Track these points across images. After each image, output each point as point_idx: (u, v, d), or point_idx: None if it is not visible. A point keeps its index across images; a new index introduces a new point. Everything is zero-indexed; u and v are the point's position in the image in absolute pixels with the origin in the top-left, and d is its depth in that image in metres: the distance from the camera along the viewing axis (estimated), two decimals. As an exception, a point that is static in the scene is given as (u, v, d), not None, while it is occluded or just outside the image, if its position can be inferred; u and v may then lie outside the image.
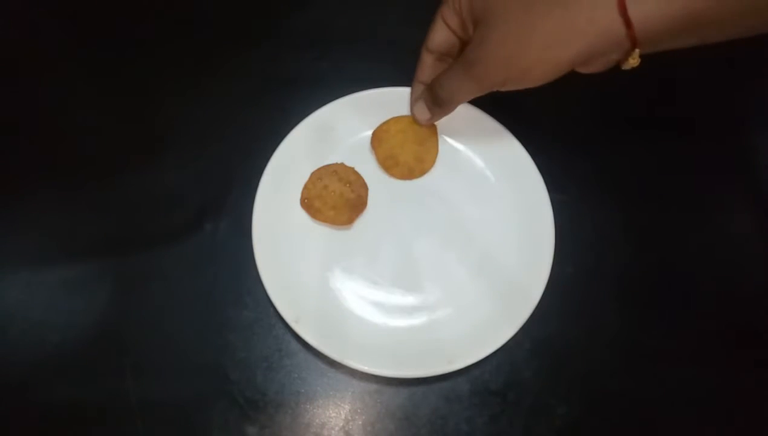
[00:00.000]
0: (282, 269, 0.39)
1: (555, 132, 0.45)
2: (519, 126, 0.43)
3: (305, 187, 0.42)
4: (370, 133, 0.44)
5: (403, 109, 0.44)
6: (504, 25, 0.30)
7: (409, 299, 0.39)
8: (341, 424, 0.37)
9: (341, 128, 0.44)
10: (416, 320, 0.39)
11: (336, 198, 0.41)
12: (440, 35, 0.36)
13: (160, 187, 0.43)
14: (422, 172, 0.43)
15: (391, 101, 0.44)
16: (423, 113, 0.39)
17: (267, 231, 0.40)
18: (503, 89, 0.33)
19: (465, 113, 0.44)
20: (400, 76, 0.45)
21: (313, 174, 0.42)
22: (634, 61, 0.29)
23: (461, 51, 0.36)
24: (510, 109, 0.43)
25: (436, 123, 0.44)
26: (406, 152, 0.43)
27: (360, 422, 0.37)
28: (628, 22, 0.26)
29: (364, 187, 0.42)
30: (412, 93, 0.41)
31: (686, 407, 0.37)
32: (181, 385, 0.37)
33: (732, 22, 0.26)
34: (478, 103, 0.44)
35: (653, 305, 0.40)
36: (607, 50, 0.29)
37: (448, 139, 0.44)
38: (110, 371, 0.37)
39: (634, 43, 0.27)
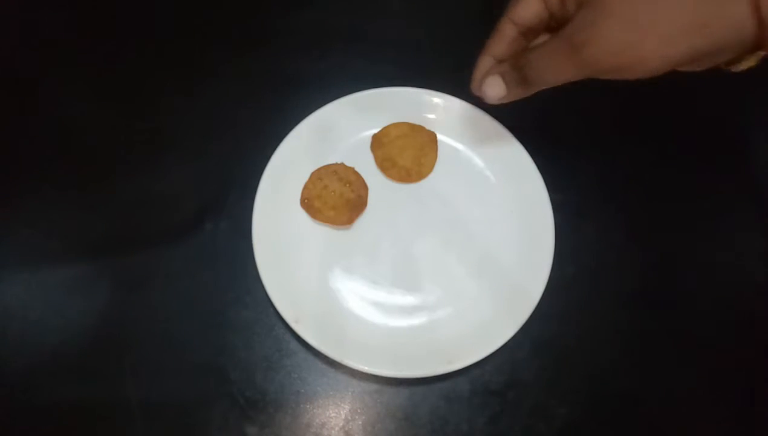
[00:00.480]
0: (282, 269, 0.39)
1: (555, 132, 0.45)
2: (519, 126, 0.43)
3: (305, 187, 0.42)
4: (370, 133, 0.44)
5: (404, 110, 0.44)
6: (623, 7, 0.27)
7: (409, 299, 0.39)
8: (341, 424, 0.37)
9: (341, 128, 0.44)
10: (416, 320, 0.39)
11: (336, 198, 0.41)
12: (533, 7, 0.32)
13: (160, 187, 0.43)
14: (420, 177, 0.43)
15: (392, 101, 0.44)
16: (498, 90, 0.33)
17: (267, 231, 0.40)
18: (604, 77, 0.29)
19: (465, 113, 0.44)
20: (400, 76, 0.45)
21: (313, 174, 0.42)
22: (751, 63, 0.27)
23: (551, 29, 0.33)
24: (510, 109, 0.43)
25: (435, 130, 0.44)
26: (404, 157, 0.43)
27: (360, 422, 0.37)
28: (760, 21, 0.24)
29: (364, 187, 0.42)
30: (478, 67, 0.36)
31: (686, 407, 0.37)
32: (181, 385, 0.37)
33: None
34: (478, 102, 0.44)
35: (653, 305, 0.40)
36: (731, 49, 0.26)
37: (448, 140, 0.44)
38: (110, 371, 0.37)
39: (760, 44, 0.25)
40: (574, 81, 0.31)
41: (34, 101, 0.47)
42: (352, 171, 0.42)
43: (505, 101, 0.34)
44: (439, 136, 0.44)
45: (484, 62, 0.35)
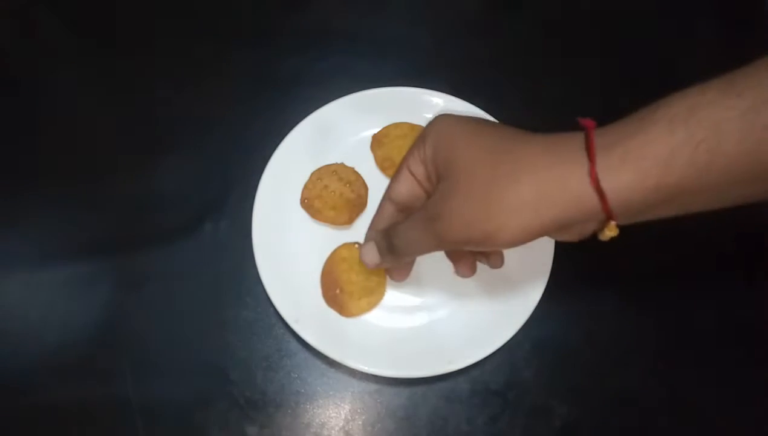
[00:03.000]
0: (282, 269, 0.39)
1: (555, 132, 0.44)
2: (519, 126, 0.43)
3: (305, 187, 0.42)
4: (370, 133, 0.44)
5: (404, 110, 0.44)
6: (469, 183, 0.27)
7: (409, 299, 0.39)
8: (341, 424, 0.37)
9: (341, 128, 0.44)
10: (416, 320, 0.39)
11: (336, 198, 0.41)
12: (405, 185, 0.32)
13: (161, 186, 0.43)
14: None
15: (391, 101, 0.44)
16: (372, 257, 0.34)
17: (267, 231, 0.40)
18: (467, 248, 0.31)
19: (465, 112, 0.44)
20: (400, 76, 0.45)
21: (313, 174, 0.42)
22: (611, 233, 0.27)
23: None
24: (510, 109, 0.43)
25: None
26: None
27: (360, 422, 0.37)
28: (601, 194, 0.25)
29: (364, 187, 0.42)
30: (366, 237, 0.36)
31: (686, 407, 0.37)
32: (181, 385, 0.37)
33: (716, 193, 0.25)
34: (479, 102, 0.44)
35: (653, 304, 0.40)
36: (581, 220, 0.27)
37: (448, 139, 0.44)
38: (110, 371, 0.37)
39: (609, 215, 0.26)
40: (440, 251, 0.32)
41: (34, 101, 0.47)
42: (352, 171, 0.42)
43: (381, 267, 0.35)
44: (439, 136, 0.44)
45: (369, 235, 0.36)
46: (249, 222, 0.39)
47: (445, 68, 0.47)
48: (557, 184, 0.26)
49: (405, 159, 0.32)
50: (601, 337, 0.39)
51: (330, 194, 0.41)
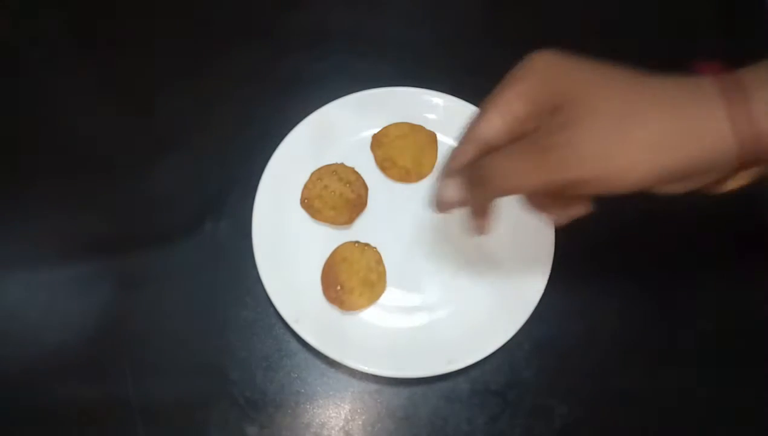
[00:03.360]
0: (282, 269, 0.39)
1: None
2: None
3: (305, 187, 0.42)
4: (370, 133, 0.44)
5: (404, 110, 0.44)
6: (595, 115, 0.25)
7: (409, 299, 0.39)
8: (341, 424, 0.37)
9: (341, 128, 0.44)
10: (416, 320, 0.39)
11: (336, 198, 0.41)
12: (496, 122, 0.28)
13: (160, 187, 0.43)
14: (420, 177, 0.43)
15: (391, 101, 0.44)
16: (454, 191, 0.30)
17: (267, 231, 0.40)
18: (570, 192, 0.26)
19: (465, 113, 0.44)
20: (400, 76, 0.45)
21: (313, 174, 0.42)
22: (738, 182, 0.26)
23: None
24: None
25: (435, 130, 0.44)
26: (404, 157, 0.43)
27: (360, 422, 0.37)
28: (757, 136, 0.24)
29: (364, 187, 0.42)
30: (440, 179, 0.32)
31: (686, 407, 0.37)
32: (181, 385, 0.37)
33: None
34: (479, 102, 0.44)
35: (653, 304, 0.40)
36: (712, 165, 0.25)
37: (448, 140, 0.44)
38: (110, 371, 0.37)
39: (742, 163, 0.25)
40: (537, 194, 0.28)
41: (34, 101, 0.47)
42: (352, 171, 0.42)
43: (462, 206, 0.31)
44: (439, 136, 0.44)
45: (445, 174, 0.31)
46: (249, 222, 0.39)
47: (445, 68, 0.47)
48: (695, 124, 0.24)
49: (495, 97, 0.29)
50: (601, 337, 0.39)
51: (330, 194, 0.41)
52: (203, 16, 0.50)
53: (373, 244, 0.40)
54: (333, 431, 0.36)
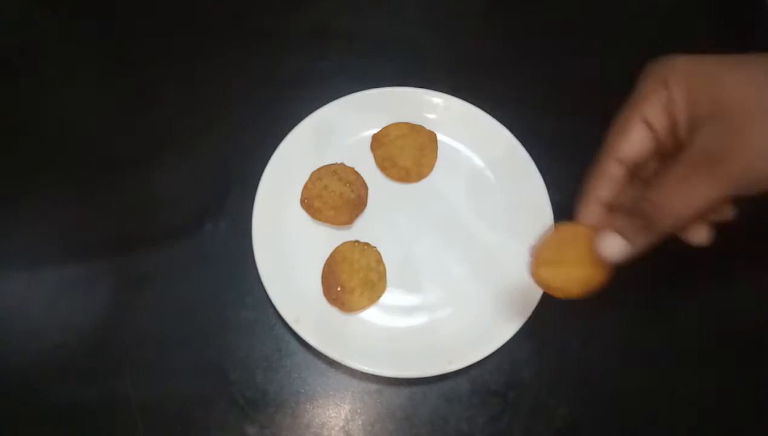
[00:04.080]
0: (282, 269, 0.39)
1: (555, 132, 0.45)
2: (519, 126, 0.43)
3: (305, 187, 0.42)
4: (370, 133, 0.44)
5: (404, 110, 0.44)
6: (764, 118, 0.24)
7: (409, 299, 0.39)
8: (341, 424, 0.37)
9: (341, 128, 0.44)
10: (416, 320, 0.39)
11: (336, 198, 0.41)
12: (637, 139, 0.27)
13: (161, 186, 0.43)
14: (419, 176, 0.43)
15: (392, 101, 0.44)
16: (618, 246, 0.28)
17: (267, 231, 0.40)
18: (752, 191, 0.25)
19: (465, 113, 0.44)
20: (400, 76, 0.45)
21: (313, 174, 0.42)
22: None
23: (661, 161, 0.29)
24: (510, 109, 0.43)
25: (435, 130, 0.44)
26: (404, 157, 0.43)
27: (360, 422, 0.37)
28: None
29: (364, 187, 0.42)
30: (582, 215, 0.30)
31: (686, 407, 0.37)
32: (181, 385, 0.37)
33: None
34: (479, 102, 0.44)
35: (653, 304, 0.40)
36: None
37: (448, 140, 0.44)
38: (110, 371, 0.37)
39: None
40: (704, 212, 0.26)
41: (34, 101, 0.47)
42: (352, 171, 0.42)
43: (629, 257, 0.29)
44: (439, 136, 0.44)
45: (589, 211, 0.30)
46: (249, 222, 0.39)
47: (445, 68, 0.47)
48: None
49: (631, 111, 0.28)
50: (601, 337, 0.39)
51: (330, 194, 0.41)
52: (203, 16, 0.50)
53: (373, 244, 0.40)
54: (333, 431, 0.36)
